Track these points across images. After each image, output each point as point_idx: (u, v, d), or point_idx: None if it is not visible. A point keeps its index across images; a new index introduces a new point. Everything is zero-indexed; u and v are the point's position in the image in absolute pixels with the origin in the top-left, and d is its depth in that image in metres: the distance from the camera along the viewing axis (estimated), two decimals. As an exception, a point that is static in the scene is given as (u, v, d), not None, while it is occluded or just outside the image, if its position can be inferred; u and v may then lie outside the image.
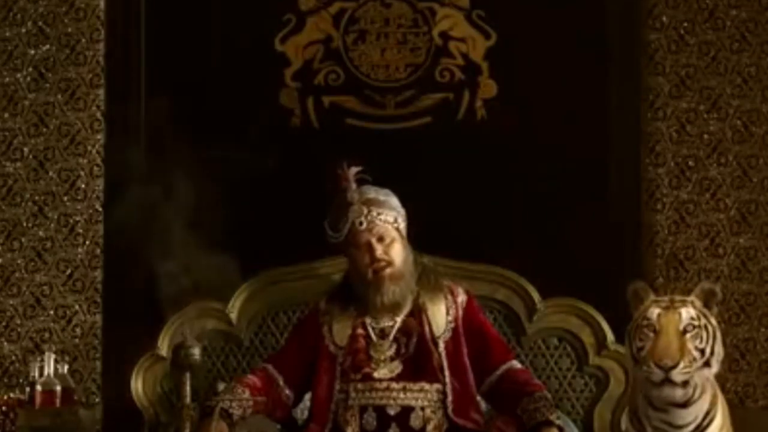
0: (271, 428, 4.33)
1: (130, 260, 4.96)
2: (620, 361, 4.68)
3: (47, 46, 5.17)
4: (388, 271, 4.29)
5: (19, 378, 5.01)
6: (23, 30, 5.16)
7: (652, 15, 5.15)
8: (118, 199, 5.06)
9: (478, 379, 4.33)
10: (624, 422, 4.25)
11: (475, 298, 4.49)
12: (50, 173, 5.15)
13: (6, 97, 5.15)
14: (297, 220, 4.99)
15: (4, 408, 4.62)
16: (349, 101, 5.25)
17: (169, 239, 4.50)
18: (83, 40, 5.18)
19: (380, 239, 4.31)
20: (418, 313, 4.35)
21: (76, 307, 5.13)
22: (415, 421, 4.24)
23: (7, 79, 5.16)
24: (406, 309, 4.36)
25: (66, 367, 4.79)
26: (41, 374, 4.71)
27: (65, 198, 5.15)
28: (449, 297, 4.40)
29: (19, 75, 5.16)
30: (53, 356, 4.74)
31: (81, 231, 5.14)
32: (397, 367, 4.29)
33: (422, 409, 4.25)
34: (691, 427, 3.87)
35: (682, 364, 3.76)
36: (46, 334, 5.11)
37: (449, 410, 4.26)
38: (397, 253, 4.32)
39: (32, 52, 5.16)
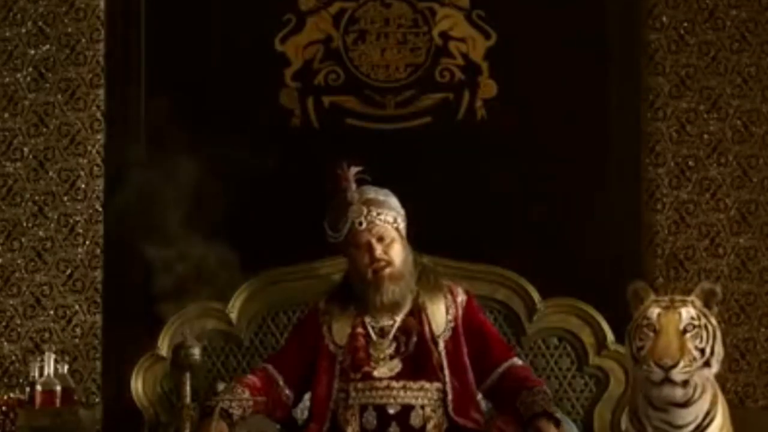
0: (271, 428, 4.33)
1: (130, 260, 4.96)
2: (620, 361, 4.68)
3: (47, 46, 5.17)
4: (387, 270, 4.29)
5: (19, 378, 5.01)
6: (23, 30, 5.16)
7: (652, 15, 5.15)
8: (118, 198, 5.06)
9: (479, 378, 4.33)
10: (624, 422, 4.25)
11: (475, 298, 4.49)
12: (50, 173, 5.15)
13: (6, 97, 5.16)
14: (297, 220, 4.99)
15: (4, 408, 4.62)
16: (349, 101, 5.25)
17: (169, 239, 4.50)
18: (83, 40, 5.18)
19: (380, 239, 4.31)
20: (417, 312, 4.35)
21: (76, 307, 5.13)
22: (415, 420, 4.24)
23: (7, 79, 5.16)
24: (406, 308, 4.36)
25: (66, 367, 4.79)
26: (41, 374, 4.71)
27: (65, 198, 5.15)
28: (449, 296, 4.41)
29: (19, 75, 5.16)
30: (53, 356, 4.74)
31: (81, 231, 5.15)
32: (396, 366, 4.29)
33: (422, 407, 4.26)
34: (692, 426, 3.87)
35: (682, 364, 3.76)
36: (46, 334, 5.11)
37: (449, 409, 4.26)
38: (397, 253, 4.32)
39: (32, 52, 5.17)
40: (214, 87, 5.18)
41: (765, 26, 5.13)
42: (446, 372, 4.29)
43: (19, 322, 5.11)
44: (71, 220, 5.14)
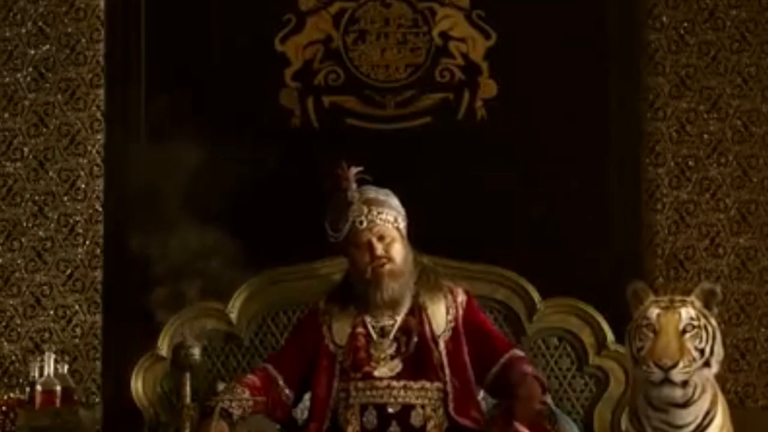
0: (271, 428, 4.33)
1: (130, 260, 4.96)
2: (620, 361, 4.67)
3: (47, 46, 5.17)
4: (387, 267, 4.29)
5: (19, 378, 5.01)
6: (23, 30, 5.16)
7: (652, 15, 5.15)
8: (118, 198, 5.07)
9: (480, 375, 4.33)
10: (624, 422, 4.25)
11: (475, 297, 4.49)
12: (50, 173, 5.15)
13: (6, 97, 5.16)
14: (297, 220, 4.99)
15: (4, 408, 4.62)
16: (349, 101, 5.25)
17: (169, 238, 4.51)
18: (83, 40, 5.18)
19: (380, 238, 4.32)
20: (418, 312, 4.35)
21: (76, 307, 5.13)
22: (415, 420, 4.24)
23: (7, 79, 5.16)
24: (406, 308, 4.36)
25: (66, 367, 4.78)
26: (41, 374, 4.71)
27: (65, 198, 5.15)
28: (449, 296, 4.41)
29: (19, 75, 5.16)
30: (53, 356, 4.74)
31: (81, 231, 5.15)
32: (397, 365, 4.29)
33: (423, 407, 4.26)
34: (691, 427, 3.87)
35: (681, 364, 3.76)
36: (46, 334, 5.11)
37: (450, 408, 4.26)
38: (398, 251, 4.32)
39: (32, 52, 5.17)
40: (214, 87, 5.18)
41: (765, 26, 5.13)
42: (447, 372, 4.30)
43: (19, 322, 5.11)
44: (71, 220, 5.14)
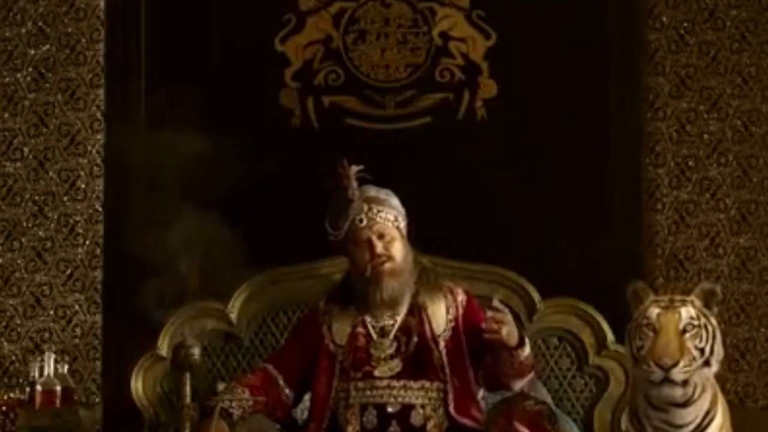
0: (271, 428, 4.33)
1: (130, 260, 4.96)
2: (620, 361, 4.68)
3: (47, 46, 5.17)
4: (387, 266, 4.29)
5: (19, 378, 5.01)
6: (23, 30, 5.16)
7: (652, 15, 5.15)
8: (118, 198, 5.07)
9: (477, 373, 4.33)
10: (624, 422, 4.25)
11: (475, 297, 4.49)
12: (50, 173, 5.15)
13: (6, 97, 5.16)
14: (297, 220, 4.99)
15: (4, 408, 4.62)
16: (349, 101, 5.25)
17: (169, 238, 4.51)
18: (83, 40, 5.18)
19: (380, 236, 4.32)
20: (417, 311, 4.35)
21: (76, 307, 5.13)
22: (415, 419, 4.25)
23: (7, 79, 5.16)
24: (406, 308, 4.36)
25: (66, 367, 4.78)
26: (41, 374, 4.71)
27: (65, 198, 5.15)
28: (449, 296, 4.41)
29: (19, 75, 5.16)
30: (53, 356, 4.74)
31: (81, 231, 5.15)
32: (397, 365, 4.29)
33: (423, 407, 4.26)
34: (691, 426, 3.87)
35: (681, 364, 3.76)
36: (46, 334, 5.11)
37: (450, 408, 4.26)
38: (397, 250, 4.32)
39: (32, 52, 5.17)
40: (214, 87, 5.17)
41: (765, 26, 5.13)
42: (447, 371, 4.30)
43: (19, 322, 5.11)
44: (71, 220, 5.14)
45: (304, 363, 4.37)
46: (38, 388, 4.66)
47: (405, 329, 4.33)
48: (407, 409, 4.25)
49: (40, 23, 5.17)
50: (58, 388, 4.68)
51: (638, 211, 5.15)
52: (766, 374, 5.07)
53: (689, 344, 3.78)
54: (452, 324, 4.37)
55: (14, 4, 5.16)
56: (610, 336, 4.75)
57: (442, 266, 4.62)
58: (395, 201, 4.41)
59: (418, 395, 4.27)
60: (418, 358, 4.29)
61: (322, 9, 5.27)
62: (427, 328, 4.34)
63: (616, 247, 5.13)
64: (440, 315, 4.37)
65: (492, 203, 5.13)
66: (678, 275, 5.09)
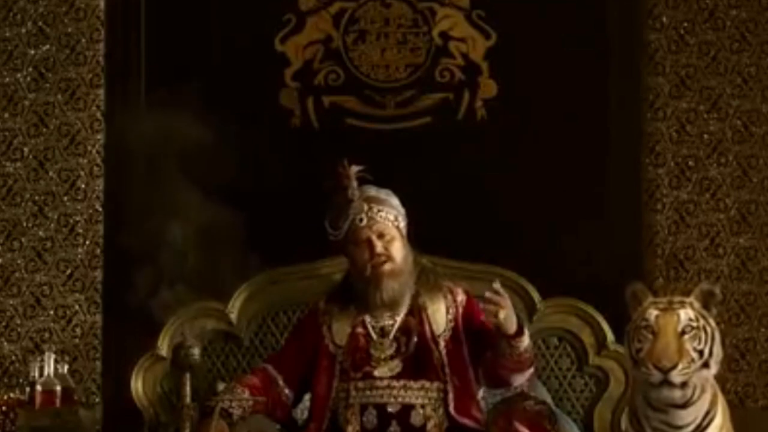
0: (271, 428, 4.33)
1: (130, 260, 4.96)
2: (620, 361, 4.68)
3: (47, 46, 5.17)
4: (387, 266, 4.29)
5: (19, 378, 5.01)
6: (23, 30, 5.16)
7: (652, 15, 5.15)
8: (118, 198, 5.07)
9: (477, 372, 4.33)
10: (624, 422, 4.25)
11: (474, 297, 4.49)
12: (50, 173, 5.15)
13: (6, 97, 5.16)
14: (297, 220, 4.99)
15: (4, 408, 4.62)
16: (349, 101, 5.25)
17: (169, 239, 4.51)
18: (83, 40, 5.18)
19: (380, 236, 4.32)
20: (417, 312, 4.35)
21: (76, 307, 5.13)
22: (415, 419, 4.25)
23: (7, 79, 5.16)
24: (406, 308, 4.36)
25: (66, 367, 4.78)
26: (41, 374, 4.71)
27: (65, 198, 5.15)
28: (449, 296, 4.41)
29: (19, 75, 5.16)
30: (53, 356, 4.74)
31: (81, 231, 5.15)
32: (397, 366, 4.30)
33: (423, 407, 4.26)
34: (691, 427, 3.86)
35: (680, 366, 3.76)
36: (46, 334, 5.11)
37: (450, 408, 4.26)
38: (397, 249, 4.32)
39: (32, 52, 5.17)
40: (214, 87, 5.17)
41: (765, 26, 5.13)
42: (447, 371, 4.30)
43: (19, 322, 5.11)
44: (71, 220, 5.15)
45: (304, 363, 4.37)
46: (38, 388, 4.66)
47: (405, 329, 4.33)
48: (407, 409, 4.25)
49: (40, 23, 5.17)
50: (58, 388, 4.68)
51: (638, 211, 5.15)
52: (766, 374, 5.07)
53: (688, 346, 3.78)
54: (452, 324, 4.37)
55: (14, 4, 5.16)
56: (610, 336, 4.75)
57: (442, 266, 4.62)
58: (395, 201, 4.42)
59: (418, 395, 4.27)
60: (418, 359, 4.29)
61: (322, 9, 5.27)
62: (427, 328, 4.34)
63: (616, 247, 5.13)
64: (440, 315, 4.37)
65: (492, 203, 5.13)
66: (678, 275, 5.09)
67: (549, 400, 4.56)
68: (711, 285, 3.91)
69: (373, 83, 5.25)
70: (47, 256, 5.14)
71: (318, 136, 5.23)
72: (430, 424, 4.25)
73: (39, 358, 4.80)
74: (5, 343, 5.10)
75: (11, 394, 4.72)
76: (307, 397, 4.42)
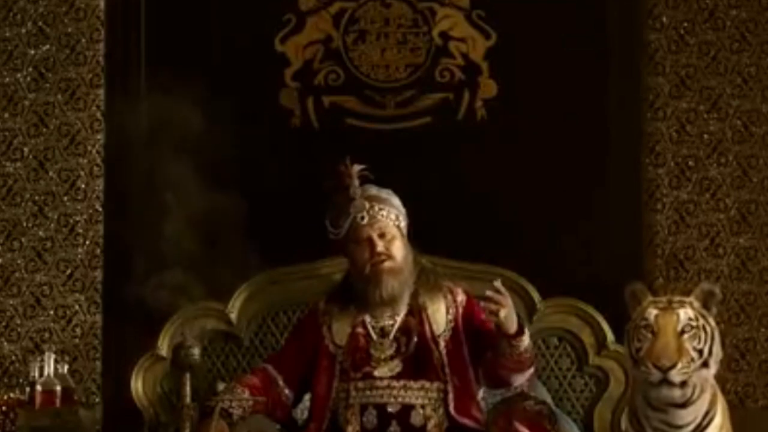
0: (271, 428, 4.33)
1: (130, 260, 4.96)
2: (620, 361, 4.68)
3: (47, 46, 5.17)
4: (387, 264, 4.29)
5: (19, 378, 5.01)
6: (23, 30, 5.16)
7: (652, 15, 5.15)
8: (118, 198, 5.07)
9: (477, 372, 4.33)
10: (624, 422, 4.25)
11: (474, 298, 4.49)
12: (50, 173, 5.15)
13: (6, 97, 5.16)
14: (297, 220, 4.99)
15: (4, 408, 4.62)
16: (349, 101, 5.25)
17: (169, 240, 4.51)
18: (83, 40, 5.18)
19: (381, 235, 4.32)
20: (417, 312, 4.35)
21: (76, 307, 5.13)
22: (415, 419, 4.24)
23: (7, 79, 5.16)
24: (406, 308, 4.36)
25: (66, 367, 4.78)
26: (41, 374, 4.71)
27: (65, 198, 5.15)
28: (449, 297, 4.41)
29: (19, 75, 5.16)
30: (53, 356, 4.74)
31: (81, 231, 5.15)
32: (397, 366, 4.29)
33: (423, 407, 4.26)
34: (691, 427, 3.86)
35: (680, 365, 3.76)
36: (46, 334, 5.11)
37: (450, 408, 4.26)
38: (398, 249, 4.32)
39: (32, 52, 5.17)
40: (214, 87, 5.17)
41: (765, 26, 5.13)
42: (447, 371, 4.30)
43: (19, 322, 5.11)
44: (71, 220, 5.14)
45: (304, 363, 4.37)
46: (38, 388, 4.66)
47: (405, 329, 4.33)
48: (407, 409, 4.25)
49: (40, 23, 5.17)
50: (58, 388, 4.68)
51: (638, 211, 5.15)
52: (766, 374, 5.07)
53: (687, 345, 3.78)
54: (452, 324, 4.37)
55: (14, 4, 5.16)
56: (610, 336, 4.75)
57: (442, 266, 4.62)
58: (396, 201, 4.42)
59: (418, 395, 4.27)
60: (418, 359, 4.29)
61: (322, 9, 5.27)
62: (427, 328, 4.34)
63: (616, 247, 5.13)
64: (440, 315, 4.37)
65: (492, 203, 5.13)
66: (678, 275, 5.09)
67: (549, 400, 4.56)
68: (711, 285, 3.91)
69: (373, 83, 5.25)
70: (47, 256, 5.14)
71: (318, 136, 5.24)
72: (430, 424, 4.25)
73: (39, 358, 4.80)
74: (5, 343, 5.10)
75: (11, 394, 4.72)
76: (307, 397, 4.42)
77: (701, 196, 5.13)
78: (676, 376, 3.76)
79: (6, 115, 5.15)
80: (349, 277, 4.45)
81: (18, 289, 5.12)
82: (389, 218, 4.35)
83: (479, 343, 4.34)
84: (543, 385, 4.69)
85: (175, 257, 4.54)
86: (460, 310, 4.39)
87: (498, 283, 4.12)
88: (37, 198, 5.15)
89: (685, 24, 5.15)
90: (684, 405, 3.83)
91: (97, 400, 5.09)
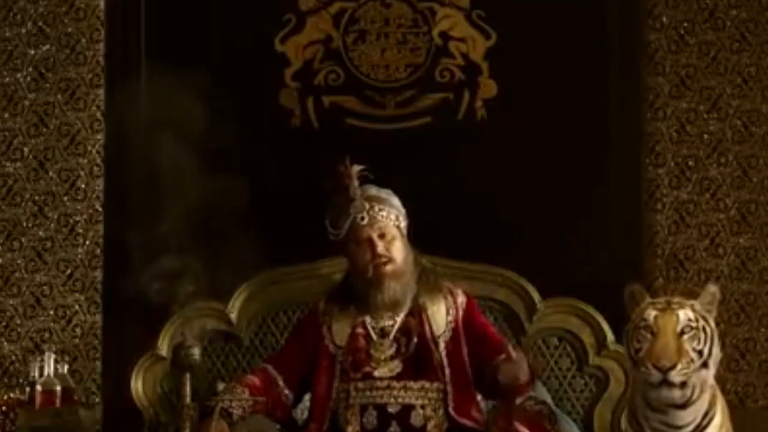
0: (271, 428, 4.33)
1: (130, 260, 4.96)
2: (620, 361, 4.68)
3: (47, 46, 5.17)
4: (389, 267, 4.30)
5: (19, 378, 5.01)
6: (23, 30, 5.16)
7: (652, 15, 5.15)
8: (118, 198, 5.07)
9: (476, 377, 4.33)
10: (623, 422, 4.25)
11: (475, 298, 4.49)
12: (50, 173, 5.15)
13: (6, 97, 5.16)
14: (297, 220, 4.99)
15: (4, 408, 4.62)
16: (349, 101, 5.25)
17: (169, 240, 4.51)
18: (83, 40, 5.18)
19: (381, 236, 4.32)
20: (417, 312, 4.35)
21: (76, 307, 5.13)
22: (415, 420, 4.25)
23: (7, 79, 5.16)
24: (406, 308, 4.36)
25: (66, 367, 4.78)
26: (41, 374, 4.71)
27: (65, 198, 5.15)
28: (449, 297, 4.41)
29: (19, 75, 5.16)
30: (53, 356, 4.74)
31: (81, 231, 5.15)
32: (397, 366, 4.30)
33: (423, 407, 4.26)
34: (691, 427, 3.86)
35: (679, 366, 3.76)
36: (46, 334, 5.11)
37: (450, 408, 4.26)
38: (398, 250, 4.33)
39: (32, 52, 5.17)
40: (213, 87, 5.16)
41: (765, 26, 5.13)
42: (447, 371, 4.30)
43: (19, 322, 5.11)
44: (71, 220, 5.15)
45: (304, 363, 4.37)
46: (38, 388, 4.66)
47: (405, 330, 4.33)
48: (407, 409, 4.25)
49: (40, 23, 5.17)
50: (58, 388, 4.68)
51: (638, 211, 5.15)
52: (766, 374, 5.07)
53: (687, 346, 3.78)
54: (452, 325, 4.37)
55: (14, 4, 5.16)
56: (610, 336, 4.75)
57: (442, 266, 4.62)
58: (396, 201, 4.42)
59: (418, 396, 4.27)
60: (418, 359, 4.29)
61: (322, 9, 5.27)
62: (426, 329, 4.34)
63: (616, 247, 5.13)
64: (440, 316, 4.37)
65: (492, 203, 5.13)
66: (678, 275, 5.09)
67: (549, 400, 4.56)
68: (714, 286, 3.91)
69: (373, 83, 5.25)
70: (47, 256, 5.14)
71: (318, 136, 5.23)
72: (430, 425, 4.25)
73: (39, 358, 4.80)
74: (5, 343, 5.10)
75: (11, 394, 4.72)
76: (307, 397, 4.42)
77: (701, 196, 5.13)
78: (676, 376, 3.76)
79: (6, 115, 5.15)
80: (349, 278, 4.45)
81: (18, 289, 5.12)
82: (389, 219, 4.35)
83: (479, 345, 4.34)
84: (543, 385, 4.69)
85: (175, 257, 4.54)
86: (460, 311, 4.40)
87: (510, 348, 4.10)
88: (37, 198, 5.15)
89: (685, 24, 5.14)
90: (684, 406, 3.83)
91: (97, 400, 5.09)
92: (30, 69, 5.16)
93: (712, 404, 3.87)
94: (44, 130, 5.17)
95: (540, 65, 5.17)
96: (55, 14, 5.17)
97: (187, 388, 4.08)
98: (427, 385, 4.28)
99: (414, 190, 4.54)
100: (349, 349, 4.32)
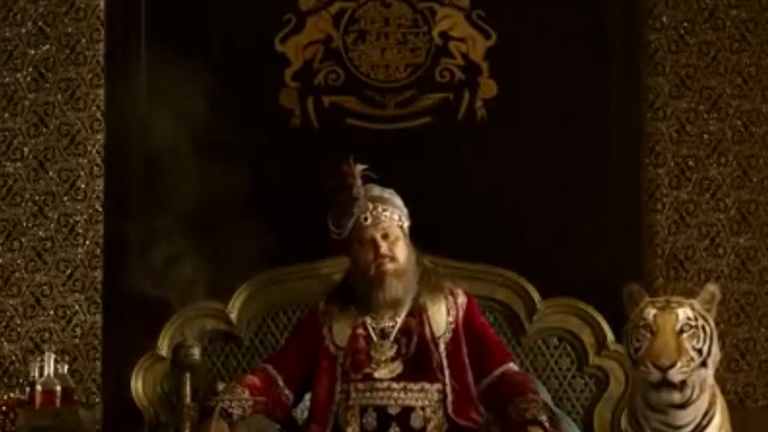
0: (271, 428, 4.33)
1: (130, 260, 4.96)
2: (620, 361, 4.68)
3: (47, 46, 5.17)
4: (391, 266, 4.29)
5: (19, 378, 5.02)
6: (23, 30, 5.16)
7: (652, 15, 5.15)
8: (118, 198, 5.07)
9: (475, 379, 4.33)
10: (623, 422, 4.25)
11: (475, 299, 4.49)
12: (50, 173, 5.16)
13: (6, 97, 5.16)
14: (297, 220, 4.99)
15: (4, 408, 4.62)
16: (349, 101, 5.25)
17: (169, 239, 4.51)
18: (83, 40, 5.18)
19: (385, 236, 4.31)
20: (418, 313, 4.35)
21: (76, 307, 5.13)
22: (415, 421, 4.24)
23: (7, 79, 5.16)
24: (407, 309, 4.35)
25: (66, 367, 4.79)
26: (41, 374, 4.71)
27: (65, 198, 5.15)
28: (450, 298, 4.40)
29: (19, 75, 5.16)
30: (53, 356, 4.74)
31: (81, 231, 5.15)
32: (397, 367, 4.29)
33: (422, 409, 4.25)
34: (690, 427, 3.86)
35: (679, 364, 3.76)
36: (46, 334, 5.11)
37: (449, 410, 4.26)
38: (401, 250, 4.32)
39: (32, 52, 5.17)
40: (214, 87, 5.16)
41: (765, 26, 5.13)
42: (446, 373, 4.29)
43: (19, 322, 5.11)
44: (71, 220, 5.15)
45: (304, 363, 4.37)
46: (38, 388, 4.66)
47: (405, 331, 4.33)
48: (407, 411, 4.25)
49: (40, 23, 5.17)
50: (58, 388, 4.68)
51: (638, 211, 5.15)
52: (766, 374, 5.07)
53: (687, 345, 3.78)
54: (452, 326, 4.36)
55: (14, 4, 5.16)
56: (610, 336, 4.75)
57: (442, 266, 4.62)
58: (398, 201, 4.42)
59: (418, 397, 4.27)
60: (418, 360, 4.29)
61: (322, 9, 5.27)
62: (427, 329, 4.33)
63: (616, 247, 5.13)
64: (440, 317, 4.37)
65: (492, 203, 5.13)
66: (678, 275, 5.09)
67: (549, 400, 4.56)
68: (714, 285, 3.91)
69: (373, 83, 5.25)
70: (47, 256, 5.14)
71: (318, 136, 5.24)
72: (430, 426, 4.25)
73: (39, 358, 4.81)
74: (5, 343, 5.10)
75: (11, 394, 4.72)
76: (307, 397, 4.42)
77: (701, 196, 5.13)
78: (675, 375, 3.75)
79: (6, 115, 5.16)
80: (349, 278, 4.45)
81: (18, 289, 5.12)
82: (392, 219, 4.35)
83: (479, 346, 4.34)
84: (543, 385, 4.69)
85: (175, 257, 4.54)
86: (461, 312, 4.39)
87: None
88: (37, 198, 5.15)
89: (685, 24, 5.15)
90: (683, 406, 3.82)
91: (97, 400, 5.09)
92: (30, 69, 5.16)
93: (711, 404, 3.87)
94: (44, 130, 5.17)
95: (540, 65, 5.18)
96: (55, 14, 5.17)
97: (187, 388, 4.08)
98: (427, 386, 4.28)
99: (414, 190, 4.53)
100: (349, 350, 4.32)
